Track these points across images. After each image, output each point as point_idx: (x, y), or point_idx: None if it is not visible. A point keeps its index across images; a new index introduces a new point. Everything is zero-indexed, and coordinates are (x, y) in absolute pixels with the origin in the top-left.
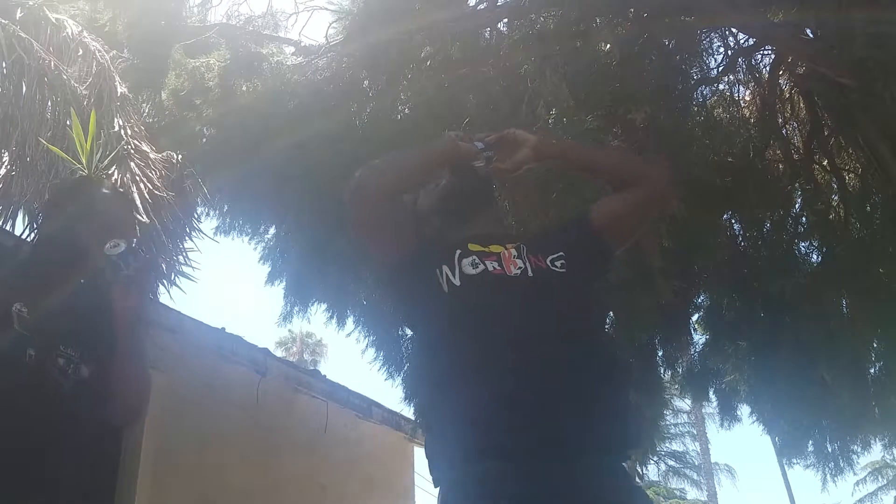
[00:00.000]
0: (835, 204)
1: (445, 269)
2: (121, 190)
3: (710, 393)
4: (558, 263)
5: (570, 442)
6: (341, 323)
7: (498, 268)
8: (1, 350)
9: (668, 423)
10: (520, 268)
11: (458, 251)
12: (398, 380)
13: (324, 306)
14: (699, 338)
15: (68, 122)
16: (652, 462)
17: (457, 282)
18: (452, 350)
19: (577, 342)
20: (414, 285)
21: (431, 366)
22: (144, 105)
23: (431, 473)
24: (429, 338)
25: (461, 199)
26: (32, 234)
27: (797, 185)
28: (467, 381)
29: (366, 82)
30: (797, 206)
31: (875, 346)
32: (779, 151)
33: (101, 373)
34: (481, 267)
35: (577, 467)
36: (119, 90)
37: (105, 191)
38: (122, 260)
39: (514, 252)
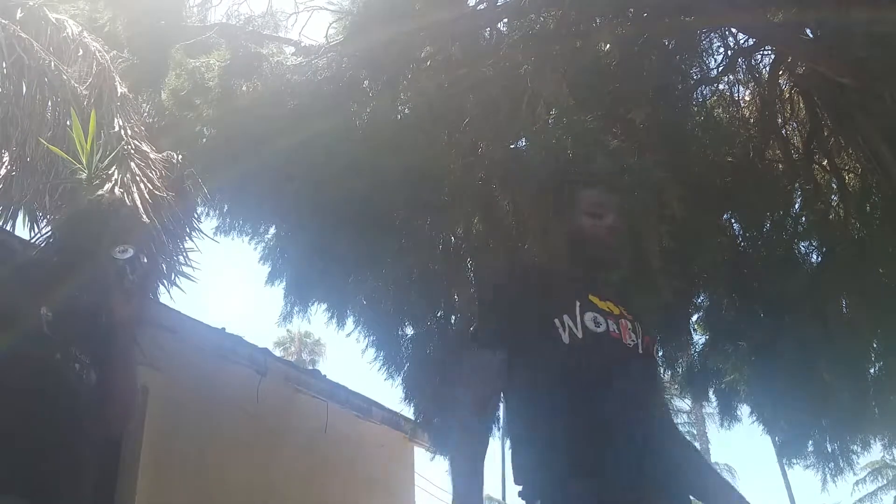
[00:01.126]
0: (835, 204)
1: (567, 319)
2: (120, 193)
3: (710, 393)
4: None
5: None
6: (341, 323)
7: (616, 331)
8: (31, 353)
9: None
10: (633, 341)
11: (579, 303)
12: (398, 380)
13: (324, 306)
14: (699, 338)
15: (68, 122)
16: None
17: (579, 334)
18: (567, 402)
19: (661, 422)
20: (528, 329)
21: (538, 411)
22: (144, 105)
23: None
24: (539, 385)
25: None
26: (38, 238)
27: (797, 185)
28: (579, 437)
29: (366, 82)
30: (797, 206)
31: (875, 346)
32: (779, 151)
33: (101, 379)
34: (603, 326)
35: None
36: (119, 90)
37: (116, 206)
38: (129, 265)
39: (629, 325)
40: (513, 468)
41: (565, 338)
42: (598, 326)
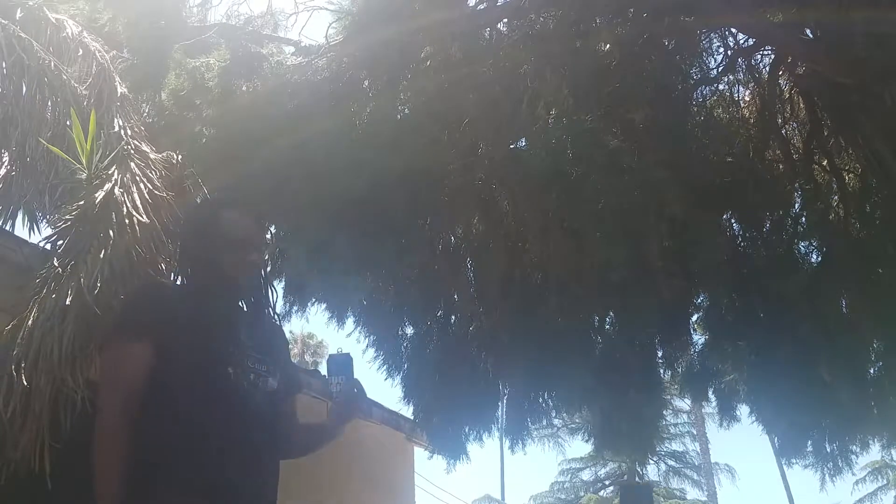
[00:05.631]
0: (835, 204)
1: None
2: (120, 192)
3: (710, 393)
4: None
5: None
6: (341, 323)
7: None
8: (210, 368)
9: (668, 423)
10: None
11: None
12: (398, 380)
13: (324, 306)
14: (699, 338)
15: (68, 122)
16: (652, 462)
17: None
18: None
19: None
20: None
21: None
22: (144, 105)
23: None
24: None
25: None
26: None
27: (797, 185)
28: None
29: (366, 82)
30: (797, 206)
31: (875, 346)
32: (778, 151)
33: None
34: None
35: None
36: (119, 90)
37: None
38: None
39: None
40: None
41: None
42: None
